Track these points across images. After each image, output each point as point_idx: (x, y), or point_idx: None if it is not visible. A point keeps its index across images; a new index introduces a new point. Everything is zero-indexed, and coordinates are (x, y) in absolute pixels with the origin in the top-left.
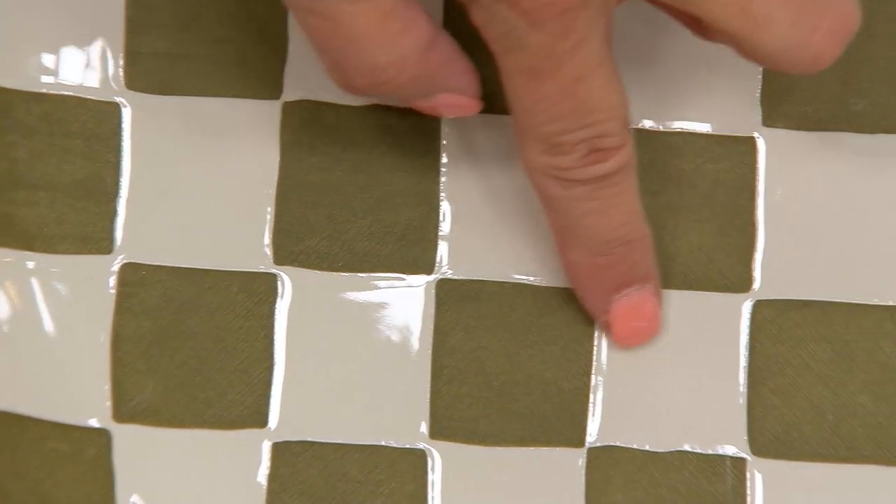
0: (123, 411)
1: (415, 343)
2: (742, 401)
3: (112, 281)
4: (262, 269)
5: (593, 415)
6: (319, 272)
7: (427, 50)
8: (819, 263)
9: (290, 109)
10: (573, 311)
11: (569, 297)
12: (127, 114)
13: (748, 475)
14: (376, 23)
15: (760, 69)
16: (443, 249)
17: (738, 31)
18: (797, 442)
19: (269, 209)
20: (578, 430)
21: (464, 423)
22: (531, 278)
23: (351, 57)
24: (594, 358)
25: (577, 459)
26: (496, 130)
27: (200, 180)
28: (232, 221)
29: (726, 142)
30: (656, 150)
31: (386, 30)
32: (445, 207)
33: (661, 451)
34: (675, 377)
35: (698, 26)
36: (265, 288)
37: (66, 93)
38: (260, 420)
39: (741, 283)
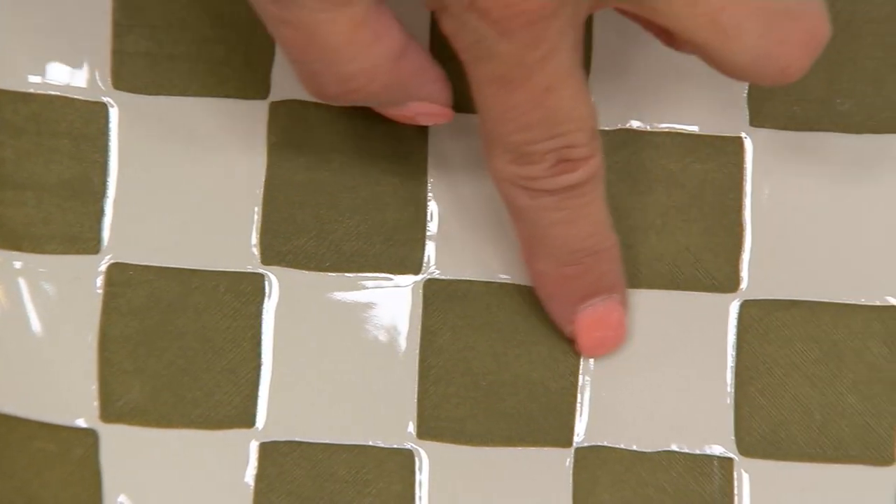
0: (111, 411)
1: (402, 343)
2: (729, 401)
3: (99, 281)
4: (249, 269)
5: (581, 415)
6: (307, 272)
7: (398, 59)
8: (806, 263)
9: (277, 109)
10: None
11: None
12: (114, 114)
13: (735, 475)
14: (348, 33)
15: None
16: (430, 249)
17: (707, 41)
18: (784, 442)
19: (256, 209)
20: (566, 430)
21: (451, 423)
22: (518, 278)
23: (323, 66)
24: (581, 358)
25: (564, 459)
26: None
27: (188, 180)
28: (219, 221)
29: (714, 142)
30: (644, 150)
31: (357, 40)
32: (433, 207)
33: (649, 450)
34: (662, 377)
35: (668, 37)
36: (252, 288)
37: (53, 93)
38: (247, 420)
39: (729, 282)
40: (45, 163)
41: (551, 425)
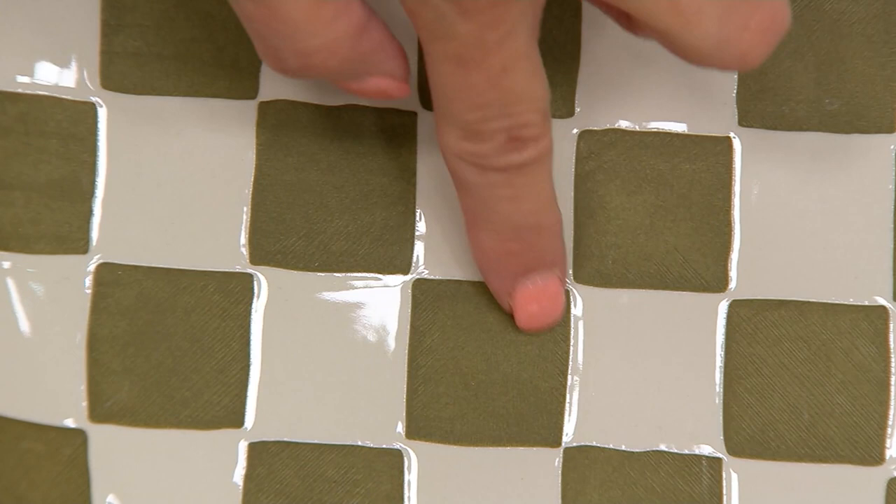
0: (99, 411)
1: (391, 343)
2: (718, 401)
3: (88, 281)
4: (238, 268)
5: (569, 415)
6: (296, 272)
7: (359, 35)
8: (795, 263)
9: (265, 109)
10: None
11: None
12: (103, 114)
13: (724, 475)
14: (309, 9)
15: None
16: (419, 249)
17: (667, 26)
18: (773, 441)
19: (245, 209)
20: (555, 430)
21: (440, 423)
22: None
23: (283, 41)
24: (570, 358)
25: (553, 459)
26: None
27: (176, 180)
28: (208, 221)
29: (702, 142)
30: (632, 149)
31: (318, 16)
32: (422, 207)
33: (638, 450)
34: (651, 377)
35: (628, 21)
36: (241, 288)
37: (41, 93)
38: (236, 420)
39: (717, 282)
40: (34, 163)
41: (540, 425)
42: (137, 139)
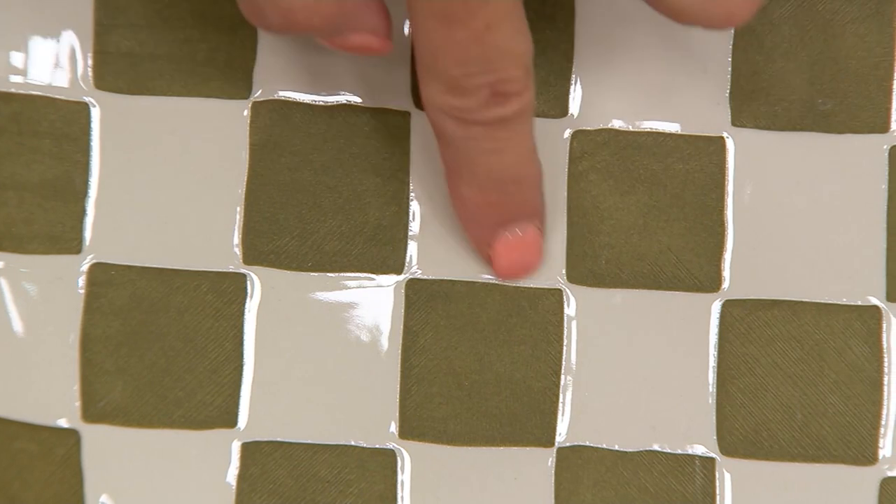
0: (93, 411)
1: (384, 343)
2: (711, 400)
3: (81, 281)
4: (231, 268)
5: (563, 414)
6: (289, 272)
7: None
8: (788, 263)
9: (259, 109)
10: (543, 310)
11: (538, 297)
12: (96, 113)
13: (717, 475)
14: None
15: (729, 69)
16: (412, 249)
17: None
18: (766, 441)
19: (238, 209)
20: (548, 430)
21: (433, 423)
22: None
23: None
24: (563, 358)
25: (546, 459)
26: None
27: (170, 180)
28: (201, 221)
29: (695, 141)
30: (625, 149)
31: None
32: (415, 207)
33: (631, 450)
34: (644, 377)
35: None
36: (235, 288)
37: (34, 92)
38: (229, 420)
39: (710, 282)
40: (27, 163)
41: (533, 425)
42: (131, 139)
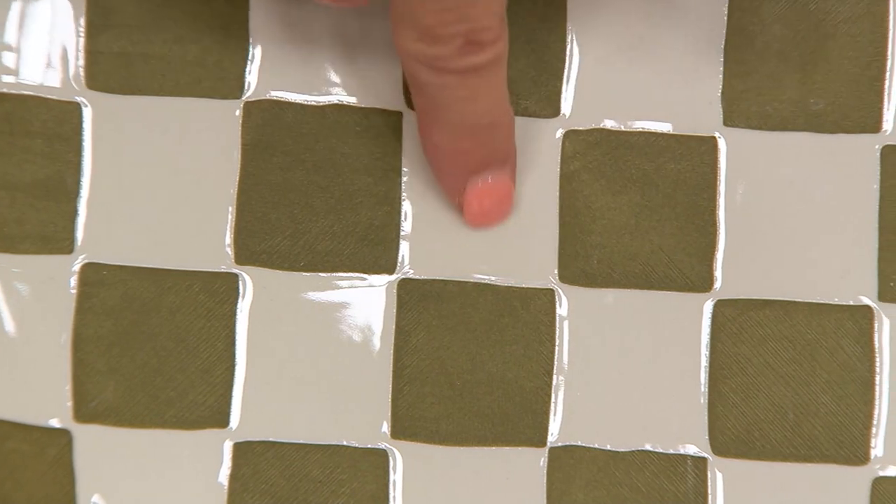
0: (84, 412)
1: (376, 343)
2: (703, 400)
3: (73, 281)
4: (223, 268)
5: (555, 414)
6: (281, 272)
7: None
8: (780, 263)
9: (251, 109)
10: (535, 310)
11: (530, 297)
12: (88, 113)
13: (709, 474)
14: None
15: (721, 69)
16: (404, 249)
17: None
18: (758, 441)
19: (230, 209)
20: (540, 430)
21: (425, 423)
22: (492, 278)
23: None
24: (556, 357)
25: (538, 459)
26: None
27: (162, 180)
28: (193, 221)
29: (687, 141)
30: (617, 149)
31: None
32: (407, 207)
33: (623, 450)
34: (636, 377)
35: None
36: (226, 288)
37: (26, 92)
38: (221, 420)
39: (702, 282)
40: (19, 162)
41: (526, 425)
42: (122, 139)
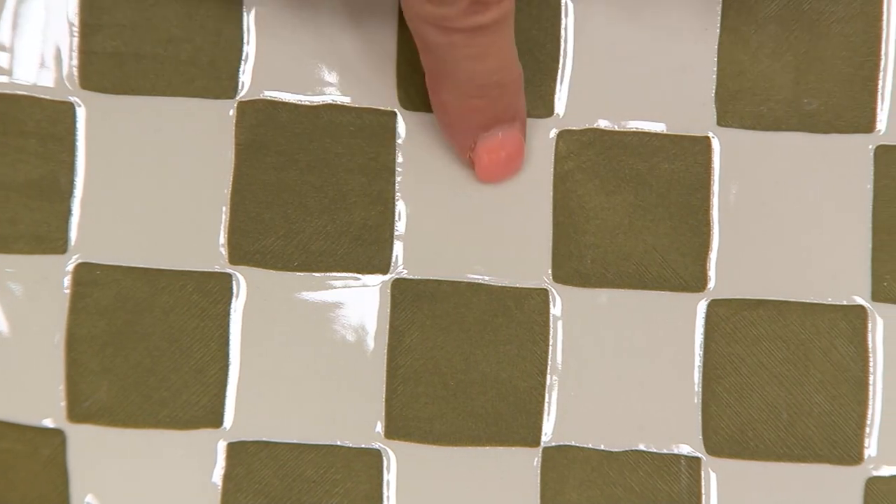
0: (78, 411)
1: (370, 343)
2: (697, 400)
3: (67, 281)
4: (217, 268)
5: (548, 414)
6: (274, 272)
7: None
8: (773, 263)
9: (244, 109)
10: (528, 310)
11: (523, 297)
12: (81, 113)
13: (703, 474)
14: None
15: (715, 69)
16: (398, 249)
17: None
18: (752, 441)
19: (224, 209)
20: (534, 430)
21: (419, 423)
22: (486, 278)
23: None
24: (549, 357)
25: (532, 459)
26: None
27: (155, 180)
28: (187, 221)
29: (681, 141)
30: (611, 149)
31: None
32: (401, 207)
33: (616, 450)
34: (630, 377)
35: None
36: (220, 287)
37: (20, 92)
38: (215, 420)
39: (696, 282)
40: (12, 162)
41: (519, 425)
42: (116, 139)
